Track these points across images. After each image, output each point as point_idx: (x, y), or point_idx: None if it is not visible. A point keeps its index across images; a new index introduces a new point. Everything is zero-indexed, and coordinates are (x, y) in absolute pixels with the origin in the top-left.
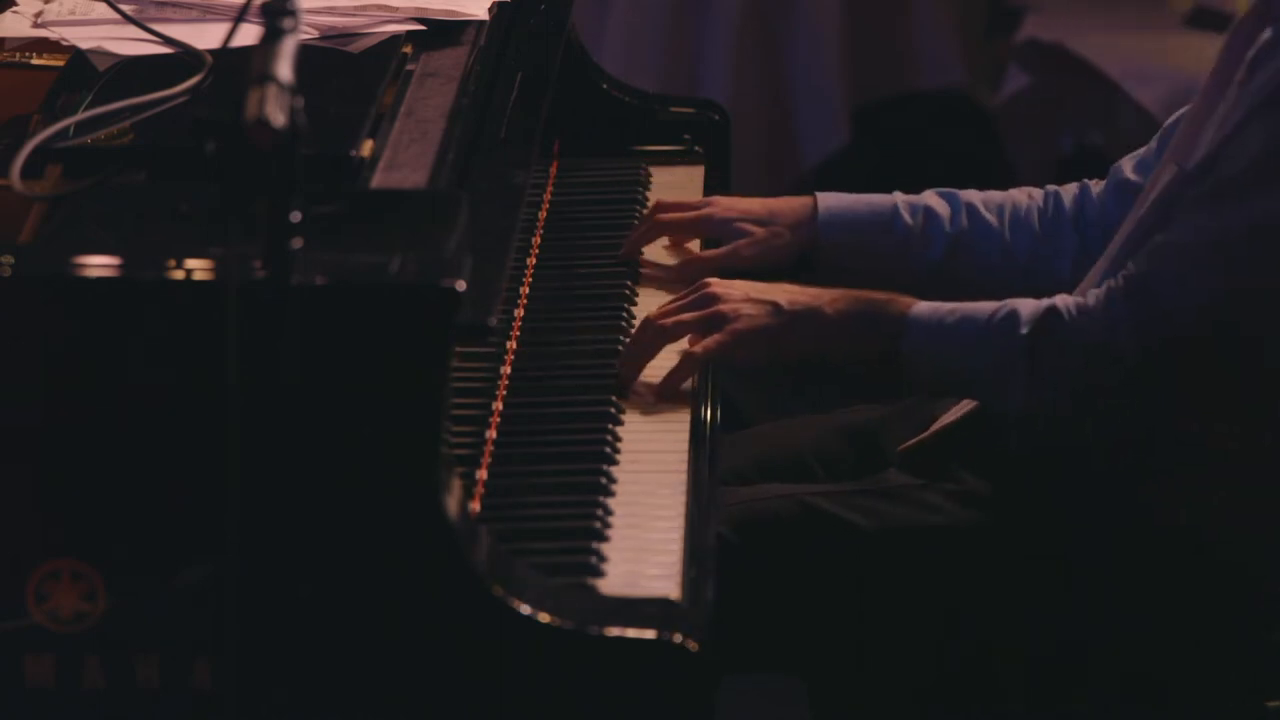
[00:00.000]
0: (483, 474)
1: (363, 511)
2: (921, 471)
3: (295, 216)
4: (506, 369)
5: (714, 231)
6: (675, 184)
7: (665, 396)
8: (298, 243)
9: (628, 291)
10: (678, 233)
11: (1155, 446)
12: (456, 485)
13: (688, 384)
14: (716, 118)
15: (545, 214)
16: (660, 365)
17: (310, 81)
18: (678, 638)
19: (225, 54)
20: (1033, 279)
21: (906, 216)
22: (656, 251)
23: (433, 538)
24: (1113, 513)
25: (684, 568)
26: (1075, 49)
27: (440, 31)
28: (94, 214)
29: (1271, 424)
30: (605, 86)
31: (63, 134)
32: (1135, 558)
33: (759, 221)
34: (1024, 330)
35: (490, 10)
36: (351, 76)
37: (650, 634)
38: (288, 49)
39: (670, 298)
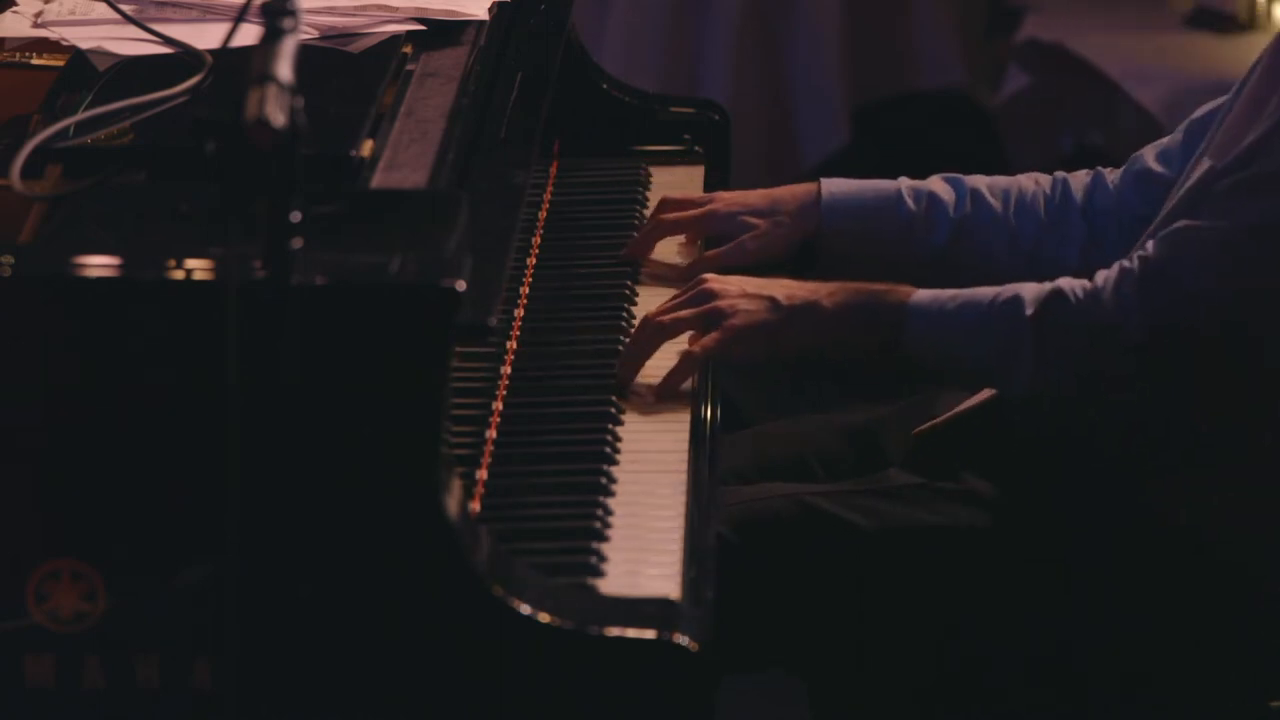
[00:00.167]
0: (483, 474)
1: (363, 511)
2: (923, 469)
3: (295, 216)
4: (506, 369)
5: (718, 228)
6: (675, 184)
7: (665, 396)
8: (298, 243)
9: (628, 291)
10: (683, 232)
11: (1162, 440)
12: (456, 485)
13: (687, 384)
14: (716, 118)
15: (545, 214)
16: (660, 364)
17: (310, 81)
18: (678, 638)
19: (225, 54)
20: (1037, 266)
21: (910, 202)
22: (659, 250)
23: (433, 538)
24: (1113, 513)
25: (684, 568)
26: (1075, 49)
27: (440, 31)
28: (94, 214)
29: (1272, 424)
30: (605, 86)
31: (63, 134)
32: (1135, 558)
33: (761, 213)
34: (1028, 311)
35: (490, 10)
36: (351, 76)
37: (650, 634)
38: (288, 49)
39: (671, 294)
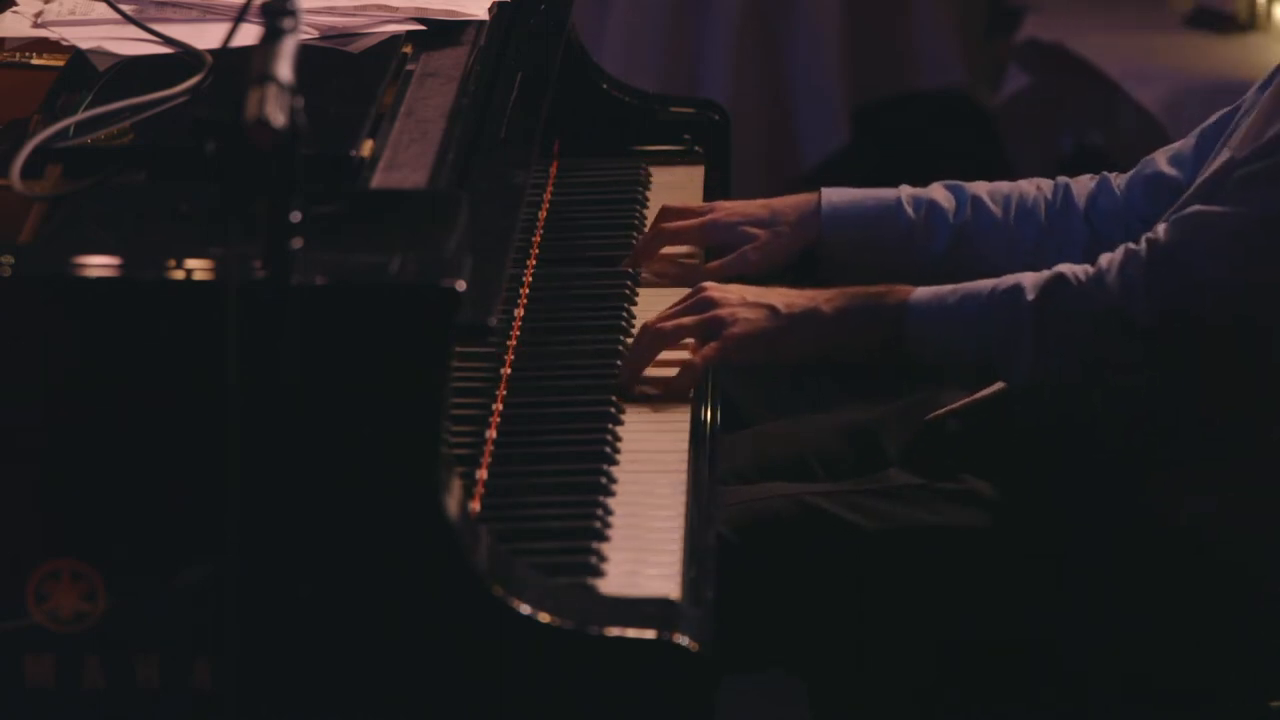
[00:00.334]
0: (483, 474)
1: (363, 511)
2: (923, 469)
3: (295, 216)
4: (506, 369)
5: (718, 238)
6: (675, 184)
7: (666, 399)
8: (298, 243)
9: (628, 291)
10: (682, 242)
11: (1165, 432)
12: (456, 485)
13: None
14: (716, 118)
15: (545, 214)
16: (660, 364)
17: (310, 81)
18: (678, 638)
19: (225, 54)
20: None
21: (910, 210)
22: (661, 253)
23: (433, 538)
24: (1113, 513)
25: (684, 568)
26: (1075, 49)
27: (440, 31)
28: (94, 214)
29: (1273, 422)
30: (605, 86)
31: (63, 134)
32: (1135, 558)
33: (761, 223)
34: (1030, 298)
35: (490, 10)
36: (351, 76)
37: (650, 634)
38: (288, 49)
39: (671, 294)
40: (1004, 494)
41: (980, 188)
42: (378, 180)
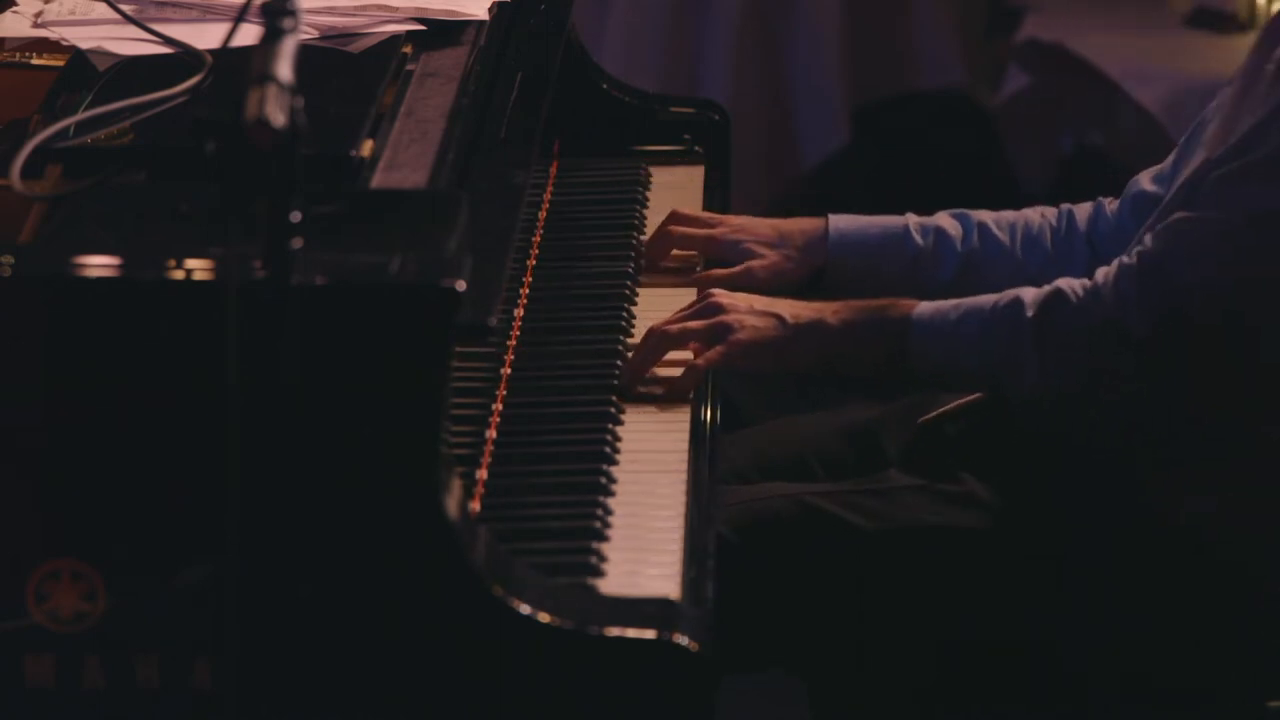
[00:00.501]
0: (483, 474)
1: (363, 511)
2: (923, 469)
3: (295, 216)
4: (506, 369)
5: (723, 252)
6: (675, 184)
7: (666, 399)
8: (298, 243)
9: (628, 291)
10: (688, 248)
11: (1163, 437)
12: (456, 485)
13: None
14: (716, 118)
15: (545, 214)
16: (663, 364)
17: (310, 81)
18: (678, 638)
19: (225, 54)
20: None
21: (918, 237)
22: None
23: (433, 538)
24: (1113, 513)
25: (684, 568)
26: (1075, 49)
27: (440, 31)
28: (94, 214)
29: (1273, 420)
30: (605, 86)
31: (63, 134)
32: (1135, 558)
33: (769, 244)
34: (1029, 314)
35: (490, 10)
36: (351, 76)
37: (650, 634)
38: (288, 49)
39: (671, 295)
40: (1004, 494)
41: (985, 215)
42: (378, 180)
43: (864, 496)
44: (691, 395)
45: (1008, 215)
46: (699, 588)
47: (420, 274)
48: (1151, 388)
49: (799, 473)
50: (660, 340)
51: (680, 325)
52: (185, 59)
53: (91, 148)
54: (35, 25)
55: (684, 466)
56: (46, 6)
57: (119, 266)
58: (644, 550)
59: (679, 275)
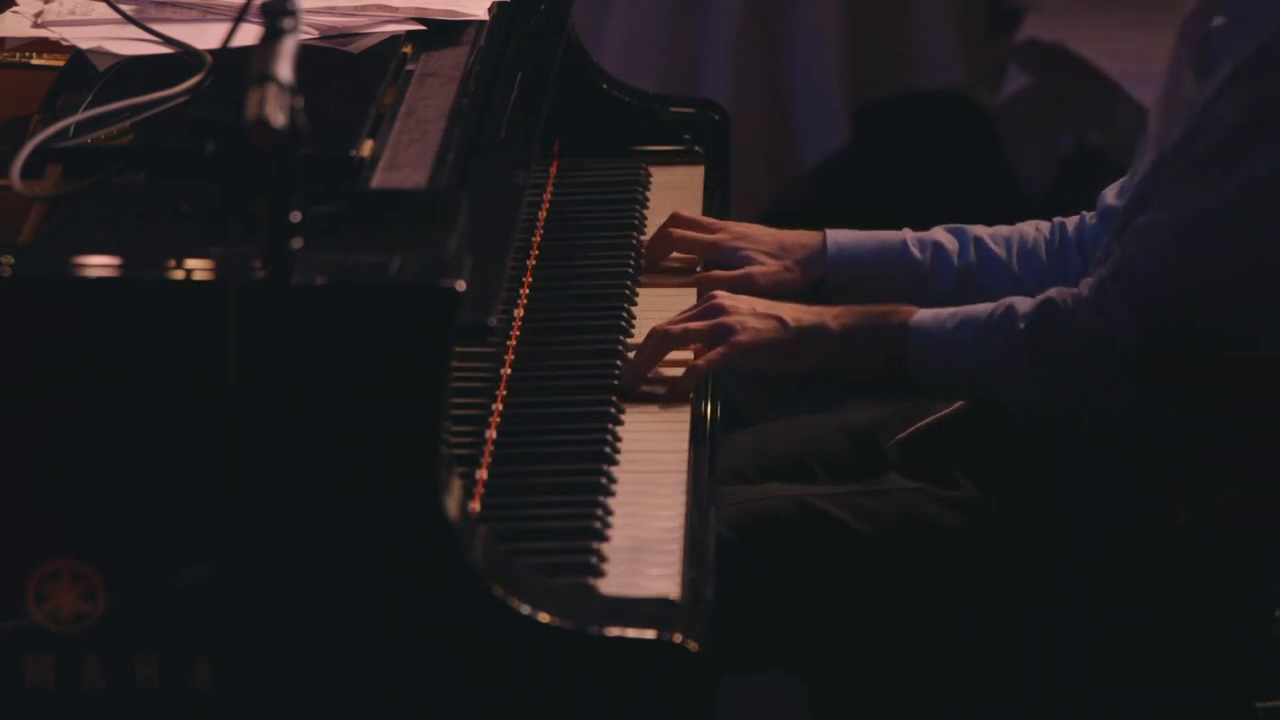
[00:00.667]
0: (483, 474)
1: (363, 511)
2: (920, 473)
3: (295, 216)
4: (506, 369)
5: (723, 257)
6: (675, 184)
7: (666, 399)
8: (298, 243)
9: (628, 291)
10: (688, 251)
11: (1156, 439)
12: (456, 485)
13: None
14: (716, 118)
15: (545, 214)
16: (663, 364)
17: (310, 81)
18: (678, 638)
19: (225, 54)
20: None
21: (915, 251)
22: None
23: (433, 538)
24: (1113, 513)
25: (684, 568)
26: (1075, 49)
27: (440, 31)
28: (94, 214)
29: (1268, 418)
30: (605, 86)
31: (63, 134)
32: (1135, 558)
33: (768, 253)
34: (1022, 325)
35: (490, 10)
36: (351, 76)
37: (650, 634)
38: (288, 49)
39: (670, 295)
40: (1003, 495)
41: (980, 230)
42: (378, 180)
43: (864, 498)
44: (692, 395)
45: (1002, 230)
46: (699, 588)
47: (420, 274)
48: (1144, 391)
49: (799, 473)
50: (662, 340)
51: (682, 326)
52: (185, 59)
53: (91, 148)
54: (35, 25)
55: (684, 466)
56: (46, 6)
57: (119, 266)
58: (644, 550)
59: (679, 276)
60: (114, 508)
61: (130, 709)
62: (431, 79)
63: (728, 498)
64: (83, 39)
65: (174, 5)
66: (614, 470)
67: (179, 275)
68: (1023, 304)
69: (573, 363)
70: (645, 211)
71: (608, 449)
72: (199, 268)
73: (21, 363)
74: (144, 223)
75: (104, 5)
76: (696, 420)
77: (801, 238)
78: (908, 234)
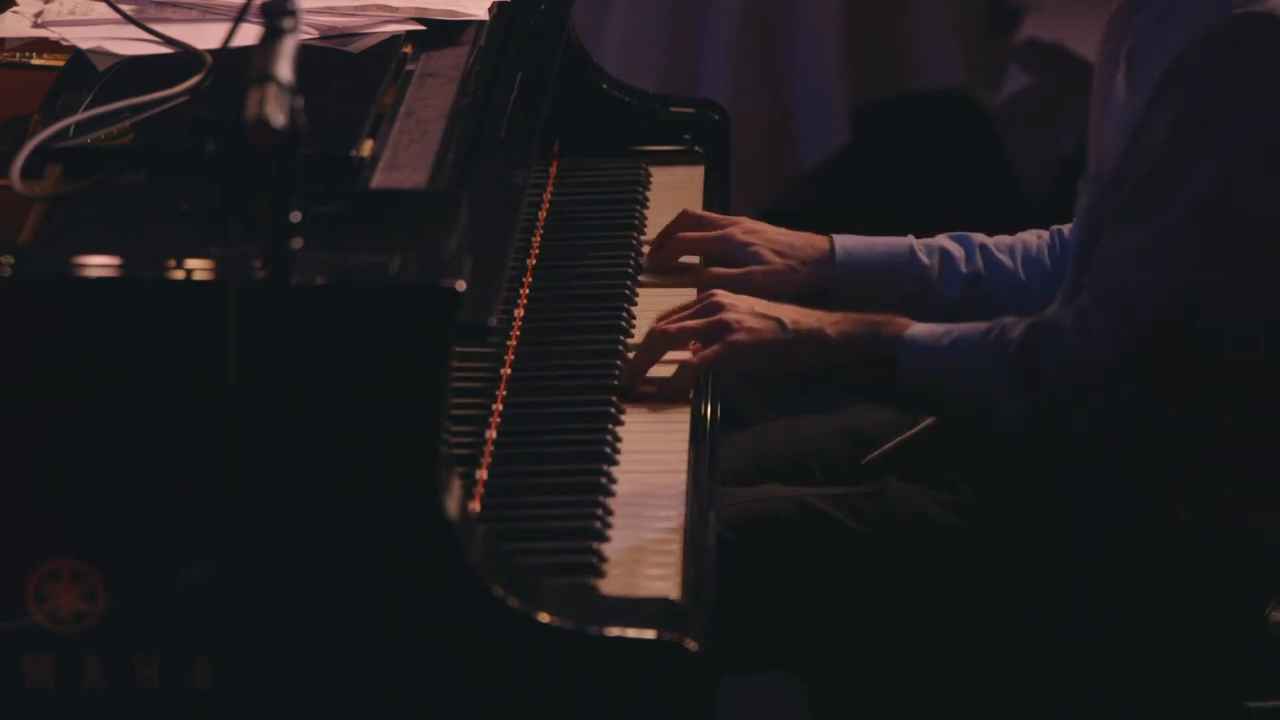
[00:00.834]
0: (483, 474)
1: (363, 511)
2: (921, 473)
3: (295, 216)
4: (506, 369)
5: (732, 252)
6: (675, 184)
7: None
8: (298, 243)
9: (628, 291)
10: (696, 251)
11: (1156, 444)
12: (456, 485)
13: None
14: (716, 118)
15: (545, 214)
16: (663, 364)
17: (310, 81)
18: (678, 638)
19: (225, 54)
20: None
21: (923, 257)
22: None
23: (432, 537)
24: (1113, 513)
25: (684, 568)
26: (1075, 49)
27: (440, 31)
28: (94, 214)
29: (1265, 419)
30: (605, 86)
31: (63, 134)
32: (1135, 558)
33: (778, 252)
34: (1013, 348)
35: (490, 10)
36: (351, 76)
37: (650, 634)
38: (288, 49)
39: (670, 295)
40: (1003, 495)
41: (984, 239)
42: (378, 180)
43: (864, 499)
44: (691, 395)
45: (1004, 239)
46: (699, 588)
47: (420, 274)
48: (1135, 408)
49: (799, 474)
50: (659, 340)
51: (679, 325)
52: (185, 59)
53: (91, 148)
54: (35, 25)
55: (684, 466)
56: (46, 6)
57: (119, 266)
58: (644, 550)
59: (679, 275)
60: (114, 508)
61: (130, 709)
62: (431, 79)
63: (727, 498)
64: (83, 39)
65: (174, 5)
66: (614, 470)
67: (179, 275)
68: (1015, 331)
69: (573, 363)
70: (645, 211)
71: (608, 449)
72: (199, 268)
73: (21, 363)
74: (144, 223)
75: (104, 5)
76: (696, 420)
77: (809, 240)
78: (913, 240)
